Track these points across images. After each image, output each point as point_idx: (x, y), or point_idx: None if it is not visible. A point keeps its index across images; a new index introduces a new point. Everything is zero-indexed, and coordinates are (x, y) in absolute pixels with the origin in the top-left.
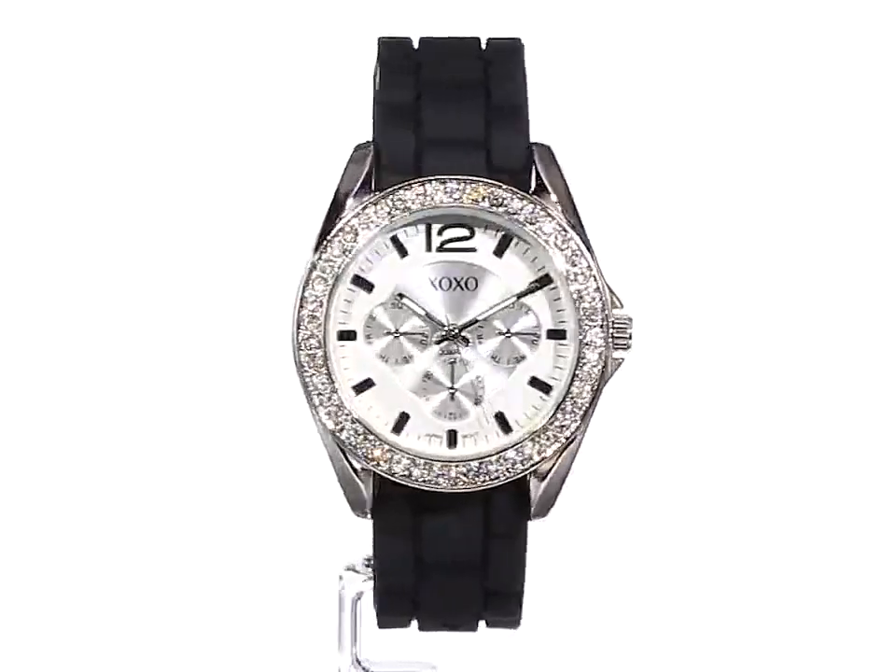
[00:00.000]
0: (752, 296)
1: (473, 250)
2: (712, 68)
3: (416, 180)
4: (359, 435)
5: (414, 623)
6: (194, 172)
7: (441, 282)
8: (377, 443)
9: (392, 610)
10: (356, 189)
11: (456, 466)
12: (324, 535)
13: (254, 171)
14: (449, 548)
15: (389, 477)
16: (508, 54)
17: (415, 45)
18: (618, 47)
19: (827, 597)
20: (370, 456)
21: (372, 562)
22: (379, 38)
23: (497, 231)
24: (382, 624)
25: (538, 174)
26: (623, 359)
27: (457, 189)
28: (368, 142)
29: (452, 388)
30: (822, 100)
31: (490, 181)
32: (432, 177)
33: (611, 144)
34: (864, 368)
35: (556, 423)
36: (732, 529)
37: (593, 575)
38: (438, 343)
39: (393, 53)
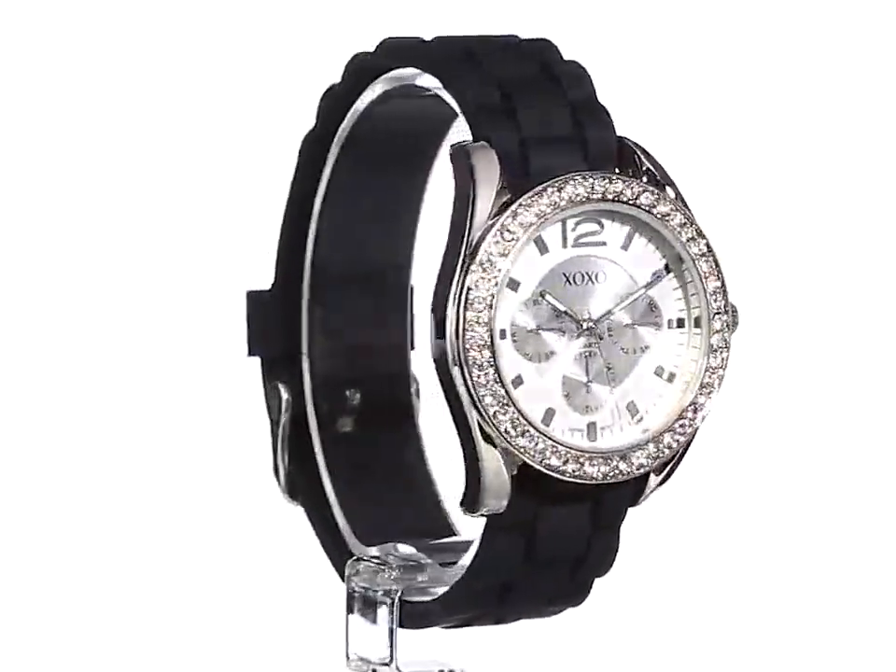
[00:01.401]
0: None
1: (604, 244)
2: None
3: (558, 179)
4: (523, 434)
5: None
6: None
7: (574, 277)
8: (538, 438)
9: (474, 609)
10: (495, 190)
11: (604, 458)
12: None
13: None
14: (561, 543)
15: (545, 472)
16: (558, 52)
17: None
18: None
19: None
20: (530, 451)
21: (473, 559)
22: (391, 38)
23: (624, 223)
24: (424, 625)
25: (641, 165)
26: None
27: (598, 185)
28: (469, 141)
29: (588, 381)
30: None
31: (622, 175)
32: (573, 174)
33: None
34: None
35: (692, 412)
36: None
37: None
38: (575, 337)
39: (445, 51)
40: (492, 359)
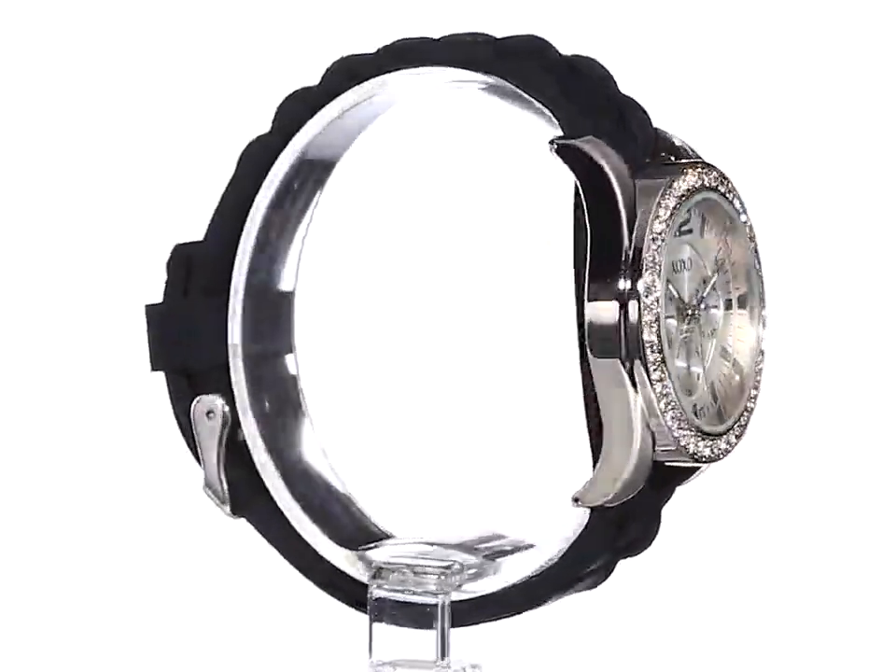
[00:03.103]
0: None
1: (690, 231)
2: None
3: (683, 170)
4: (679, 421)
5: None
6: None
7: (676, 264)
8: (683, 422)
9: (550, 598)
10: (631, 185)
11: (713, 440)
12: None
13: None
14: (637, 529)
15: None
16: (555, 49)
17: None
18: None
19: None
20: (680, 437)
21: (567, 551)
22: (399, 40)
23: (702, 210)
24: (459, 623)
25: (682, 154)
26: None
27: (700, 176)
28: (574, 137)
29: (688, 365)
30: None
31: (710, 164)
32: (693, 164)
33: None
34: None
35: (753, 389)
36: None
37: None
38: (683, 323)
39: (480, 50)
40: (662, 350)
